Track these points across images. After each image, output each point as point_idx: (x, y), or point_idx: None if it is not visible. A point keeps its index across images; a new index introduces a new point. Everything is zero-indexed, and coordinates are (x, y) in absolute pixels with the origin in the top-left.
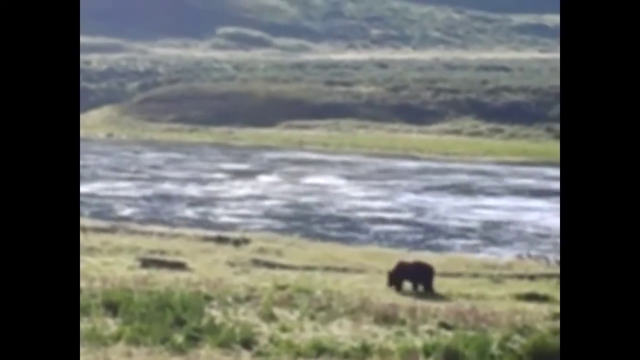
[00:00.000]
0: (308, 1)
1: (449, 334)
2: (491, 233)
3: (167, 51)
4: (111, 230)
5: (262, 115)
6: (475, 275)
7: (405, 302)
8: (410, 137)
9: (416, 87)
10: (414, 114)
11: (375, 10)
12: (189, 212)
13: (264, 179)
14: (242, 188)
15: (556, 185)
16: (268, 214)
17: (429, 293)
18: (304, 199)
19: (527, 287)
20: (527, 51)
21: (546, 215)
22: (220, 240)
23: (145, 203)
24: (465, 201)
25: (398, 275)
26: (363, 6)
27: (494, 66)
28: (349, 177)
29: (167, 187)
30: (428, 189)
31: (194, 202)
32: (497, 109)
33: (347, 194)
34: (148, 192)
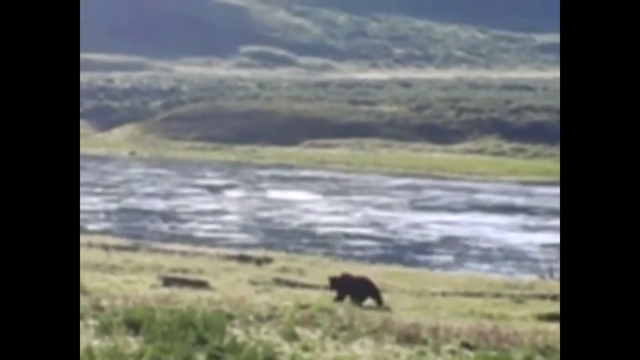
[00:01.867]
0: (332, 20)
1: (471, 354)
2: (453, 248)
3: (190, 69)
4: (133, 249)
5: (286, 134)
6: (497, 295)
7: (427, 321)
8: (433, 156)
9: (439, 107)
10: (437, 134)
11: (398, 30)
12: (154, 226)
13: (231, 194)
14: (207, 203)
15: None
16: (231, 229)
17: (381, 306)
18: (266, 214)
19: (549, 307)
20: (550, 71)
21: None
22: (243, 259)
23: (113, 217)
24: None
25: (342, 287)
26: (386, 25)
27: (517, 85)
28: (325, 193)
29: (133, 201)
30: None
31: (160, 216)
32: (520, 129)
33: (313, 209)
34: (113, 206)
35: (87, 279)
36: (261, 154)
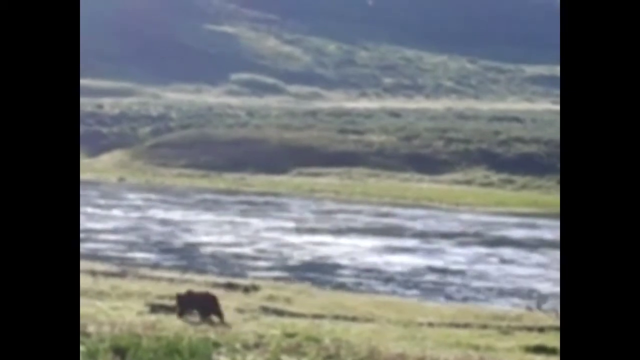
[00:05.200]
0: (322, 49)
1: None
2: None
3: (180, 96)
4: (121, 275)
5: (275, 162)
6: (484, 327)
7: (414, 352)
8: (421, 186)
9: (428, 137)
10: (426, 164)
11: (388, 59)
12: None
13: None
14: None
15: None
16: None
17: (221, 321)
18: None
19: (536, 339)
20: (540, 102)
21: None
22: (230, 286)
23: None
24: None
25: (186, 303)
26: (376, 55)
27: (506, 117)
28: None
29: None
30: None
31: None
32: (509, 160)
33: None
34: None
35: None
36: (250, 182)
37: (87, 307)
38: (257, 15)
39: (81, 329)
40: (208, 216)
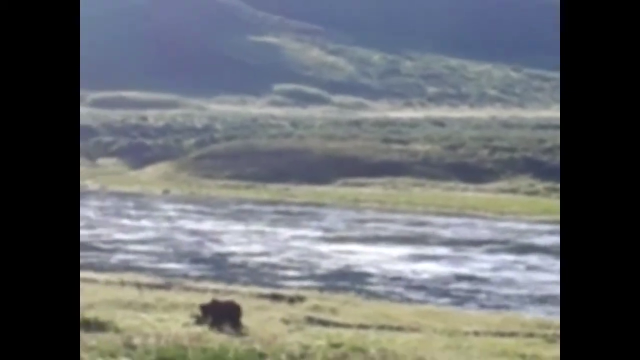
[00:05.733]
0: (366, 59)
1: None
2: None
3: (224, 107)
4: (166, 287)
5: (319, 173)
6: (530, 335)
7: None
8: (466, 195)
9: (473, 146)
10: (471, 173)
11: (432, 68)
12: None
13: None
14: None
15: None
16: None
17: (238, 330)
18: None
19: None
20: None
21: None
22: (275, 297)
23: None
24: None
25: (210, 312)
26: (420, 64)
27: (551, 125)
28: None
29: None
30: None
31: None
32: (554, 168)
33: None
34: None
35: (120, 317)
36: (294, 192)
37: (132, 319)
38: (301, 26)
39: (127, 341)
40: (241, 226)
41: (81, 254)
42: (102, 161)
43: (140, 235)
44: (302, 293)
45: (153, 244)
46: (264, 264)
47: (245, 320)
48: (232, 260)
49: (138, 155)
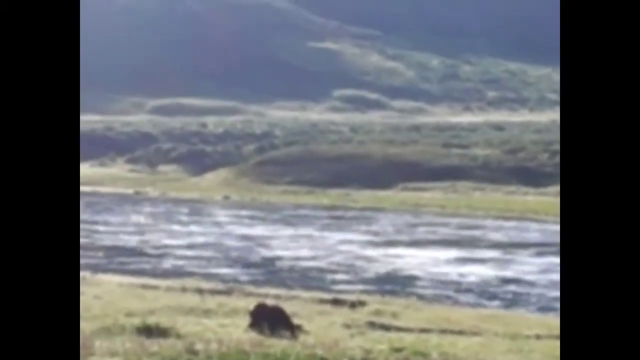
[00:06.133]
0: (425, 64)
1: None
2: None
3: (283, 113)
4: (227, 292)
5: (379, 178)
6: None
7: None
8: (527, 199)
9: (533, 149)
10: (531, 176)
11: (491, 73)
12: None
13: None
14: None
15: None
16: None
17: (289, 333)
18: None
19: None
20: None
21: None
22: (336, 302)
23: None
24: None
25: (258, 317)
26: (479, 69)
27: None
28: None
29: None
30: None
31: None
32: None
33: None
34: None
35: (182, 322)
36: (355, 197)
37: (194, 325)
38: (359, 32)
39: (189, 346)
40: (293, 231)
41: (133, 259)
42: (162, 168)
43: (192, 241)
44: (363, 298)
45: (204, 249)
46: (312, 268)
47: (306, 325)
48: (282, 264)
49: (198, 161)
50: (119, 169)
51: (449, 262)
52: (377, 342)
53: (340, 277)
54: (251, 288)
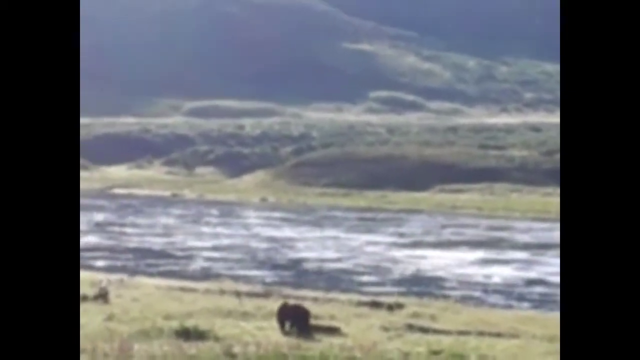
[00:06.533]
0: (461, 65)
1: None
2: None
3: (320, 115)
4: (265, 295)
5: (416, 179)
6: None
7: None
8: None
9: None
10: None
11: (528, 74)
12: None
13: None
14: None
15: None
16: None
17: (305, 334)
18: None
19: None
20: None
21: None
22: (374, 305)
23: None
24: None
25: (281, 316)
26: (516, 70)
27: None
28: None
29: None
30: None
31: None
32: None
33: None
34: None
35: (220, 325)
36: (391, 199)
37: (232, 327)
38: (395, 33)
39: (227, 349)
40: (322, 233)
41: (164, 261)
42: (199, 170)
43: (221, 243)
44: (401, 300)
45: (233, 251)
46: (338, 270)
47: (344, 327)
48: (309, 266)
49: (235, 163)
50: (155, 171)
51: (472, 263)
52: (415, 344)
53: (366, 278)
54: (289, 290)
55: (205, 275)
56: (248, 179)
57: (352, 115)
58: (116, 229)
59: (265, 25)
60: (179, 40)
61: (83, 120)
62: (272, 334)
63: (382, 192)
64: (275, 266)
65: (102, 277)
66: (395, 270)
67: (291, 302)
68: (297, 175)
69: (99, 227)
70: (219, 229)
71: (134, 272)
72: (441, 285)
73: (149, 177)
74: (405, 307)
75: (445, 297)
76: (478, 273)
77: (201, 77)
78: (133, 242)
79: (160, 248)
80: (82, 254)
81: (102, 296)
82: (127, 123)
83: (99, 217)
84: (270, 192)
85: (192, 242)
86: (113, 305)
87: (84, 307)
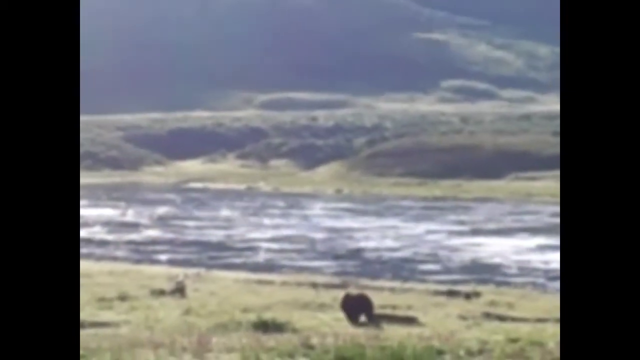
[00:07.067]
0: (533, 52)
1: None
2: None
3: (393, 106)
4: (342, 286)
5: (490, 168)
6: None
7: None
8: None
9: None
10: None
11: None
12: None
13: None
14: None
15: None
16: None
17: (371, 323)
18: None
19: None
20: None
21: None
22: (451, 293)
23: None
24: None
25: (345, 306)
26: None
27: None
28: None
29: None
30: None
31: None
32: None
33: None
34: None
35: (297, 317)
36: (466, 188)
37: (310, 319)
38: (467, 22)
39: (304, 341)
40: (385, 222)
41: (227, 253)
42: (273, 163)
43: (284, 233)
44: (478, 289)
45: (294, 242)
46: (399, 259)
47: (422, 317)
48: (373, 255)
49: (309, 155)
50: (229, 164)
51: (531, 250)
52: (492, 332)
53: (426, 267)
54: (366, 281)
55: (269, 267)
56: (322, 171)
57: (424, 105)
58: (178, 222)
59: (338, 17)
60: (252, 33)
61: (156, 115)
62: (349, 325)
63: (456, 181)
64: (336, 256)
65: (178, 271)
66: (454, 258)
67: (366, 292)
68: (372, 166)
69: (162, 220)
70: (283, 221)
71: (196, 265)
72: (501, 272)
73: (223, 170)
74: (482, 296)
75: (507, 284)
76: (536, 259)
77: (274, 70)
78: (200, 235)
79: (223, 240)
80: (144, 247)
81: (179, 290)
82: (200, 117)
83: (165, 210)
84: (345, 183)
85: (254, 234)
86: (190, 299)
87: (161, 302)
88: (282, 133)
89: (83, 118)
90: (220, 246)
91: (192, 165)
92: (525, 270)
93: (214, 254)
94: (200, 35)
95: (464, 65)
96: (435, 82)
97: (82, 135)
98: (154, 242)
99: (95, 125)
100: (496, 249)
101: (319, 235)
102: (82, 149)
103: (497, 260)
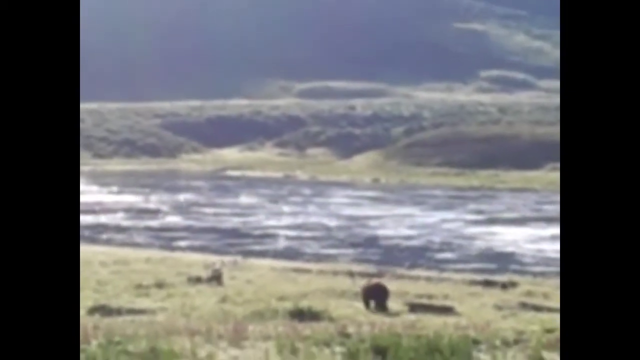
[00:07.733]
0: None
1: None
2: None
3: (431, 95)
4: (379, 275)
5: (528, 158)
6: None
7: None
8: None
9: None
10: None
11: None
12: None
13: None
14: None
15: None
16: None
17: (384, 312)
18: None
19: None
20: None
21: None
22: (487, 283)
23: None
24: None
25: (365, 295)
26: None
27: None
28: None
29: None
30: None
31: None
32: None
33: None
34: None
35: (333, 306)
36: (504, 178)
37: (346, 308)
38: (505, 12)
39: (341, 329)
40: (405, 210)
41: (246, 240)
42: (310, 151)
43: (307, 221)
44: (515, 279)
45: (315, 230)
46: (414, 247)
47: (458, 306)
48: (391, 243)
49: (346, 144)
50: (267, 153)
51: (545, 239)
52: (529, 323)
53: (441, 255)
54: (402, 270)
55: (290, 255)
56: (359, 160)
57: (462, 94)
58: (212, 210)
59: (376, 6)
60: (291, 22)
61: (194, 103)
62: (385, 313)
63: (494, 171)
64: (355, 244)
65: (215, 259)
66: (469, 247)
67: (400, 281)
68: (409, 156)
69: (186, 207)
70: (301, 209)
71: (215, 251)
72: (519, 260)
73: (261, 158)
74: (518, 286)
75: (522, 272)
76: (550, 249)
77: (312, 58)
78: (229, 222)
79: (238, 227)
80: (165, 234)
81: (216, 278)
82: (238, 105)
83: (188, 197)
84: (382, 172)
85: (276, 222)
86: (227, 287)
87: (197, 289)
88: (319, 122)
89: (121, 105)
90: (236, 233)
91: (230, 153)
92: (541, 259)
93: (233, 241)
94: (240, 23)
95: (502, 55)
96: (473, 72)
97: (120, 123)
98: (172, 229)
99: (134, 113)
100: (510, 237)
101: (336, 223)
102: (120, 137)
103: (510, 249)
